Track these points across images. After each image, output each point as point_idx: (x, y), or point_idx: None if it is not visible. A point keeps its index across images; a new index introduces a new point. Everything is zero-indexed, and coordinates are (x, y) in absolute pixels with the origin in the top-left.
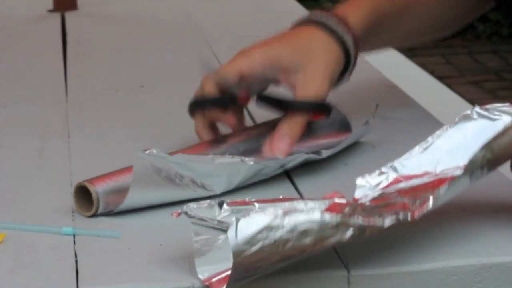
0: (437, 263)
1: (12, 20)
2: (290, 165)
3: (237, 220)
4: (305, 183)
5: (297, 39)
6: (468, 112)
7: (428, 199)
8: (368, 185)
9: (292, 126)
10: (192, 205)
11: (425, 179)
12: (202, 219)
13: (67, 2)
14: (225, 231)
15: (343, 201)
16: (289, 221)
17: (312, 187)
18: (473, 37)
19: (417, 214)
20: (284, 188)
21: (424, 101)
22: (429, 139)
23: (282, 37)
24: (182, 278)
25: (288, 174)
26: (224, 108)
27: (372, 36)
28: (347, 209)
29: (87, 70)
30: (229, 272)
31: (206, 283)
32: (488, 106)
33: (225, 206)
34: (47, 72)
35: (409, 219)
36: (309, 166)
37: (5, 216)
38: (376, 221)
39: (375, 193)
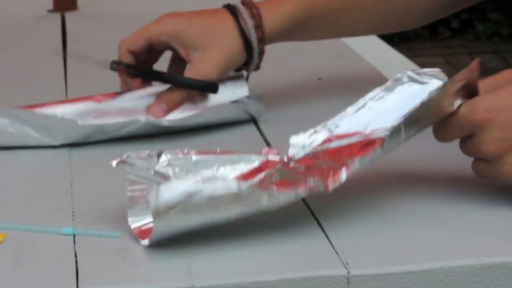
0: (437, 263)
1: (12, 20)
2: (163, 123)
3: (158, 185)
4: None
5: (209, 20)
6: (399, 75)
7: (340, 169)
8: (301, 144)
9: (172, 96)
10: (132, 154)
11: (354, 139)
12: (139, 170)
13: (67, 2)
14: (158, 183)
15: (276, 158)
16: (207, 188)
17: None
18: (473, 37)
19: (331, 186)
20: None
21: None
22: (361, 100)
23: (197, 14)
24: (182, 278)
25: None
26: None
27: (305, 29)
28: (262, 175)
29: (87, 70)
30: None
31: (134, 232)
32: (418, 70)
33: (163, 156)
34: (47, 72)
35: (322, 190)
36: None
37: (5, 216)
38: (288, 193)
39: (306, 151)
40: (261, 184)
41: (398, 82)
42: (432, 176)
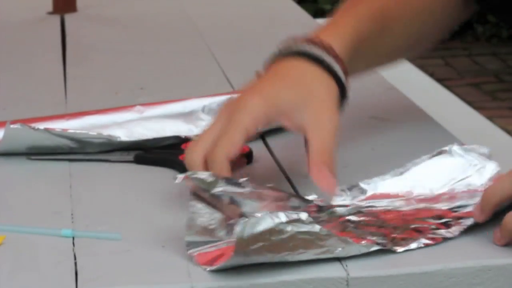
0: (436, 265)
1: (12, 22)
2: None
3: (248, 218)
4: (302, 183)
5: (290, 77)
6: (446, 148)
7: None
8: (344, 195)
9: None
10: (197, 172)
11: (401, 202)
12: (201, 188)
13: (67, 4)
14: (216, 210)
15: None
16: (292, 229)
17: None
18: (472, 39)
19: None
20: (278, 183)
21: (423, 103)
22: (408, 164)
23: (273, 77)
24: (182, 279)
25: (283, 171)
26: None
27: (355, 60)
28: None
29: (86, 72)
30: (213, 249)
31: (193, 255)
32: (466, 147)
33: (220, 181)
34: (46, 74)
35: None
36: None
37: (5, 218)
38: (359, 244)
39: (353, 203)
40: (339, 232)
41: (443, 153)
42: None
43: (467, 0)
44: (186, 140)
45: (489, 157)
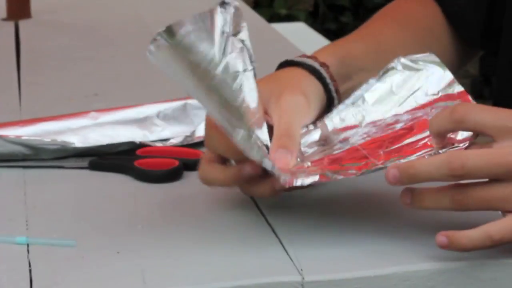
0: (390, 268)
1: None
2: None
3: None
4: None
5: (272, 77)
6: (393, 64)
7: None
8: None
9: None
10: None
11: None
12: None
13: (21, 10)
14: None
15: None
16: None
17: None
18: None
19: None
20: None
21: None
22: (357, 92)
23: (259, 80)
24: (136, 285)
25: None
26: None
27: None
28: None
29: (40, 78)
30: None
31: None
32: (412, 56)
33: None
34: (0, 81)
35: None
36: None
37: None
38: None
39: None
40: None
41: (391, 70)
42: (386, 184)
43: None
44: (140, 146)
45: (440, 64)
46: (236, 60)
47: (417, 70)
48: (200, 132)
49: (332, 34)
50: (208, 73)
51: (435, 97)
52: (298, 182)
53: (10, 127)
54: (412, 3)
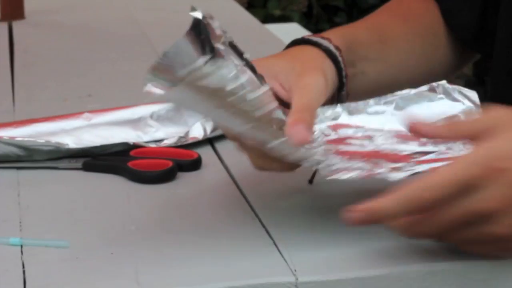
0: (384, 268)
1: None
2: None
3: None
4: (251, 188)
5: (286, 53)
6: (436, 84)
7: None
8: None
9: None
10: None
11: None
12: None
13: (15, 11)
14: None
15: None
16: None
17: (258, 192)
18: None
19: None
20: (227, 188)
21: None
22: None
23: (271, 55)
24: (130, 287)
25: (232, 176)
26: None
27: (358, 64)
28: None
29: (34, 79)
30: None
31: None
32: (454, 86)
33: None
34: None
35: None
36: None
37: None
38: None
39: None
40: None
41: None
42: (380, 184)
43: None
44: (134, 146)
45: (475, 101)
46: (229, 67)
47: (453, 100)
48: (194, 133)
49: None
50: (221, 94)
51: None
52: (343, 176)
53: (4, 128)
54: (415, 1)
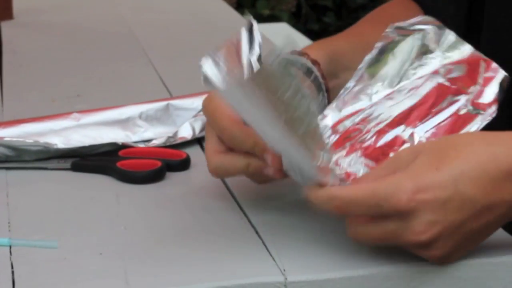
0: (373, 268)
1: None
2: None
3: None
4: (239, 188)
5: None
6: (386, 31)
7: None
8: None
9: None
10: None
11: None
12: None
13: (3, 11)
14: None
15: None
16: None
17: (247, 191)
18: None
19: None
20: (215, 189)
21: None
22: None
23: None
24: (120, 287)
25: None
26: None
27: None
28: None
29: (23, 80)
30: None
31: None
32: (403, 23)
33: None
34: None
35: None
36: None
37: None
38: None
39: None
40: None
41: (386, 39)
42: None
43: None
44: (123, 147)
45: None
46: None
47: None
48: (183, 133)
49: (315, 34)
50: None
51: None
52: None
53: None
54: (397, 6)
